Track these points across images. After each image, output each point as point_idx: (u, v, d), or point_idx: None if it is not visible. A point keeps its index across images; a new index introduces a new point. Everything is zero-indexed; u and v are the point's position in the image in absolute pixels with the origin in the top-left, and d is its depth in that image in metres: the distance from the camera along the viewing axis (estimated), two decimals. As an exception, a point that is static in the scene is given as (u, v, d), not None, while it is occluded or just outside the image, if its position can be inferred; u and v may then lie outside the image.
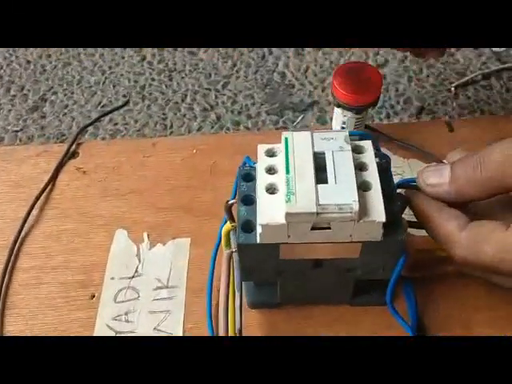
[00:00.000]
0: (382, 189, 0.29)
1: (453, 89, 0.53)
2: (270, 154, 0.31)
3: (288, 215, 0.27)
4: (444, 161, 0.35)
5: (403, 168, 0.43)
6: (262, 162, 0.30)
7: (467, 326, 0.35)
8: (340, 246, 0.29)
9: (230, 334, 0.30)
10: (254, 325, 0.35)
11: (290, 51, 0.59)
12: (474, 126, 0.45)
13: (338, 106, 0.41)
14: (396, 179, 0.38)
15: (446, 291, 0.36)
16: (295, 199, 0.27)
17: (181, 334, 0.35)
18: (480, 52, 0.57)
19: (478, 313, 0.35)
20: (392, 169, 0.37)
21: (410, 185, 0.34)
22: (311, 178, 0.28)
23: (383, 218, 0.27)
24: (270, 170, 0.30)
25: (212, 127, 0.52)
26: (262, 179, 0.29)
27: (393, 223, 0.29)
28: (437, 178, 0.31)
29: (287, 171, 0.28)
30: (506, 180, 0.28)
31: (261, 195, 0.29)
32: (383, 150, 0.44)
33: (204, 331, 0.34)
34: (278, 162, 0.30)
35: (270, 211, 0.28)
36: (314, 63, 0.58)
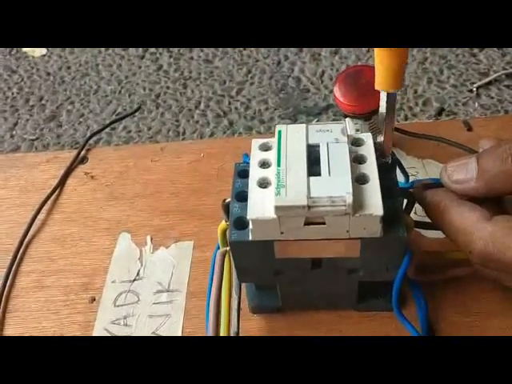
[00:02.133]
0: (384, 183, 0.27)
1: (475, 89, 0.51)
2: (265, 148, 0.30)
3: (277, 209, 0.26)
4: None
5: (417, 169, 0.41)
6: (256, 156, 0.29)
7: (484, 334, 0.32)
8: (338, 244, 0.28)
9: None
10: (253, 330, 0.34)
11: (307, 57, 0.58)
12: (492, 125, 0.43)
13: (345, 116, 0.39)
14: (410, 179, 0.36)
15: (459, 296, 0.33)
16: (285, 192, 0.26)
17: (179, 339, 0.34)
18: (504, 52, 0.55)
19: (493, 319, 0.32)
20: (406, 169, 0.36)
21: (428, 184, 0.31)
22: (303, 170, 0.27)
23: (380, 212, 0.26)
24: (264, 165, 0.29)
25: (224, 133, 0.52)
26: (255, 173, 0.28)
27: (394, 219, 0.27)
28: (463, 174, 0.28)
29: (278, 164, 0.27)
30: None
31: (252, 189, 0.28)
32: (396, 150, 0.42)
33: (203, 336, 0.33)
34: (272, 155, 0.29)
35: (260, 205, 0.27)
36: (331, 67, 0.57)
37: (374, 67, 0.29)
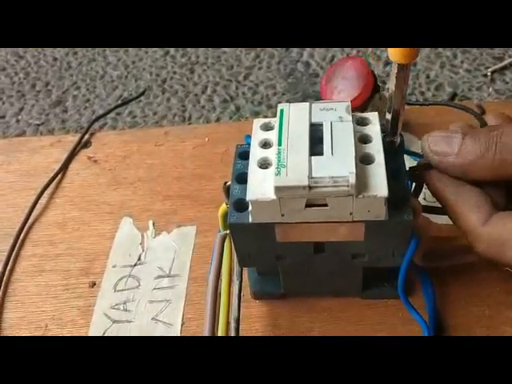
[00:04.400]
0: (390, 165, 0.26)
1: (489, 73, 0.49)
2: (267, 127, 0.29)
3: (277, 189, 0.25)
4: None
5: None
6: (257, 136, 0.28)
7: (494, 325, 0.31)
8: (341, 227, 0.27)
9: (222, 323, 0.28)
10: (254, 316, 0.33)
11: (316, 41, 0.57)
12: (506, 109, 0.41)
13: None
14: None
15: (470, 284, 0.32)
16: (285, 172, 0.25)
17: (179, 325, 0.33)
18: (521, 35, 0.53)
19: (507, 310, 0.31)
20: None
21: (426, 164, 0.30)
22: (305, 149, 0.26)
23: (385, 193, 0.24)
24: (265, 145, 0.28)
25: (231, 118, 0.51)
26: (256, 153, 0.27)
27: (400, 202, 0.26)
28: (444, 146, 0.27)
29: (279, 143, 0.26)
30: None
31: (252, 170, 0.27)
32: (406, 134, 0.41)
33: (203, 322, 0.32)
34: (274, 135, 0.28)
35: (260, 187, 0.26)
36: (341, 52, 0.55)
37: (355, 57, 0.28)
